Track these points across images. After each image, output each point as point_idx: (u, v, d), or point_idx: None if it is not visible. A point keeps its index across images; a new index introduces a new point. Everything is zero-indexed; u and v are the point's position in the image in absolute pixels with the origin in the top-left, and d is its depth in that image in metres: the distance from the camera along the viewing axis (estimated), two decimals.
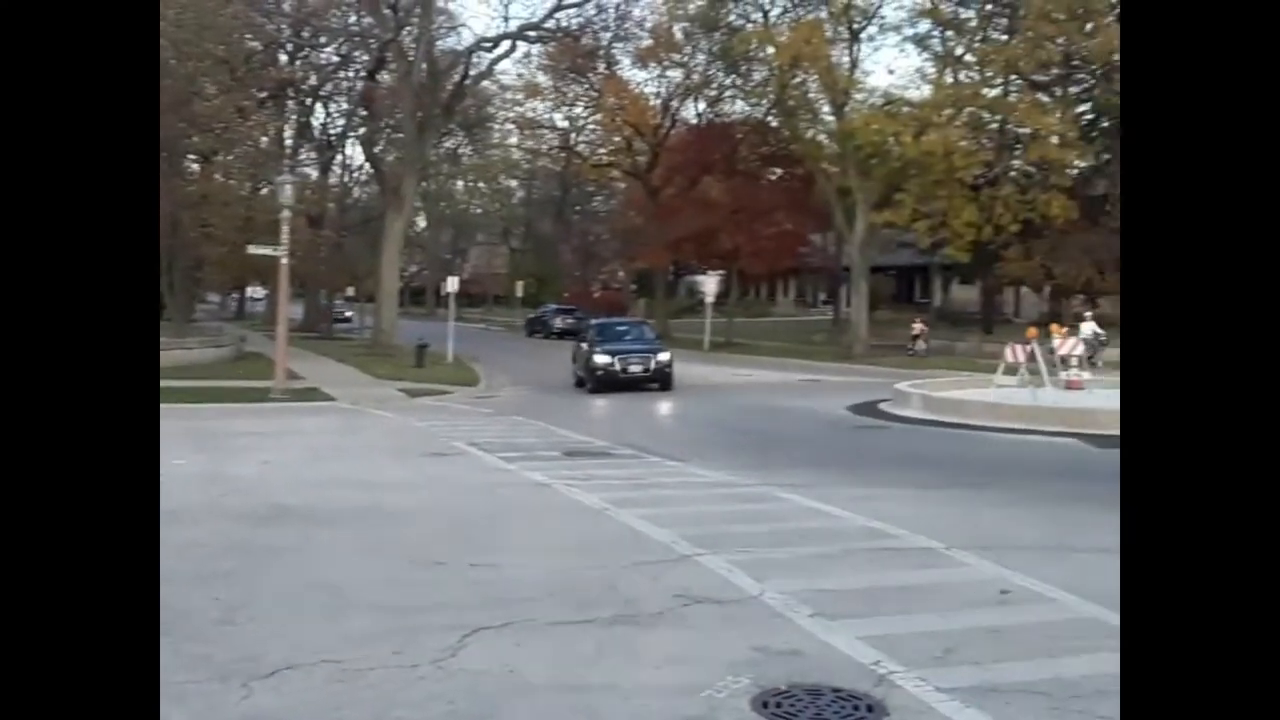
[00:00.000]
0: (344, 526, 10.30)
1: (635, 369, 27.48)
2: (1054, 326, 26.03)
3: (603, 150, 60.45)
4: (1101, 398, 21.76)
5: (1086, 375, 23.89)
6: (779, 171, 51.39)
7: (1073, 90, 41.98)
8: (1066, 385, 22.92)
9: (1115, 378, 26.12)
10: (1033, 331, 22.80)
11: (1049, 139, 37.88)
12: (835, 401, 23.59)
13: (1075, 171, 40.46)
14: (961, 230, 37.70)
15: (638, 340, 29.37)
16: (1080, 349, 24.21)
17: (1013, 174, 40.56)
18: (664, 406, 23.64)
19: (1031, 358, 21.93)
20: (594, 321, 32.88)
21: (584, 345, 29.17)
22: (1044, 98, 41.42)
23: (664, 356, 27.73)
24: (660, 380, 27.41)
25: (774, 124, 47.83)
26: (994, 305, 48.91)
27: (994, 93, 40.57)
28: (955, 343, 40.82)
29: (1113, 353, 32.99)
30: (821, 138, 43.25)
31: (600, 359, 27.59)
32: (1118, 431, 17.40)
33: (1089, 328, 32.89)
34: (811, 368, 35.31)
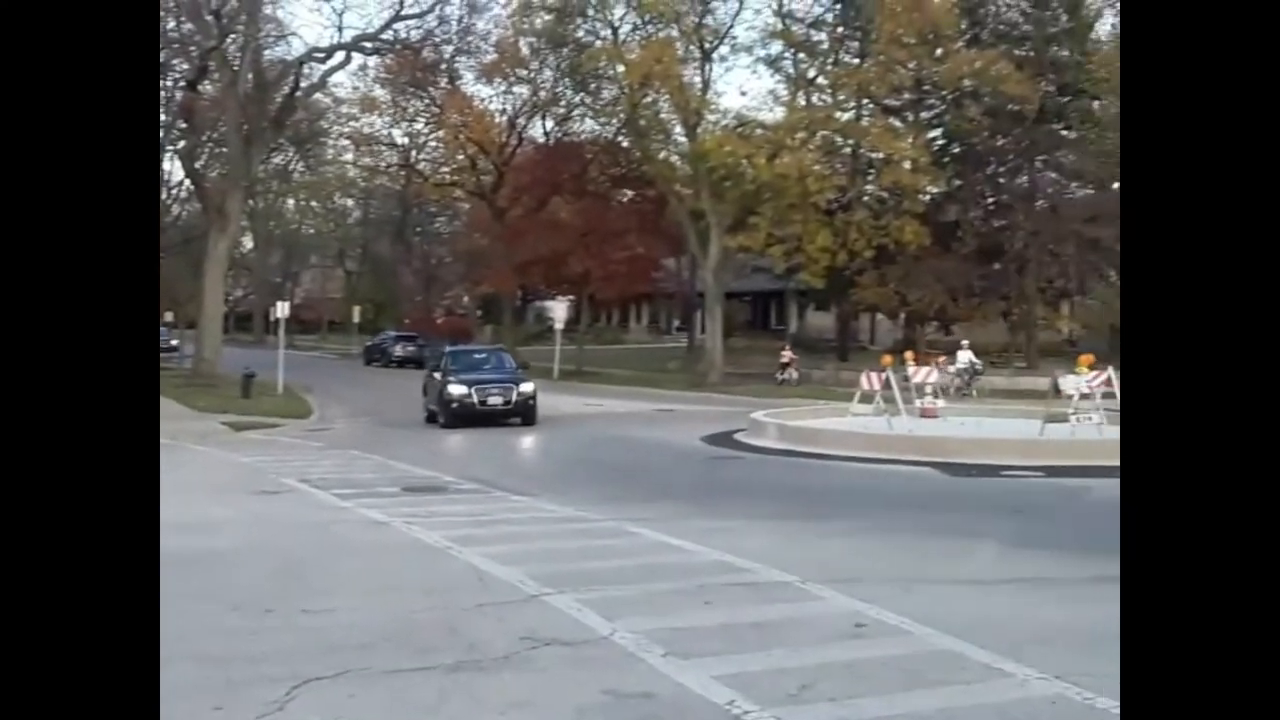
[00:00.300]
0: (161, 571, 9.90)
1: (494, 401, 26.25)
2: (909, 354, 26.84)
3: (445, 169, 60.03)
4: (955, 425, 22.54)
5: (942, 403, 24.70)
6: (630, 193, 51.90)
7: (924, 115, 43.62)
8: (921, 413, 23.65)
9: (990, 406, 27.10)
10: (888, 359, 23.48)
11: (901, 164, 39.25)
12: (689, 432, 23.85)
13: (927, 197, 41.98)
14: (816, 255, 38.63)
15: (497, 369, 28.14)
16: (935, 376, 25.03)
17: (866, 199, 41.83)
18: (511, 440, 23.52)
19: (887, 385, 22.57)
20: (448, 349, 31.11)
21: (436, 375, 27.77)
22: (896, 123, 42.97)
23: (527, 387, 26.64)
24: (523, 414, 26.29)
25: (625, 144, 48.33)
26: (849, 332, 50.23)
27: (847, 116, 41.85)
28: (811, 370, 41.75)
29: (991, 380, 34.34)
30: (674, 159, 43.89)
31: (455, 390, 26.28)
32: (971, 460, 18.07)
33: (965, 356, 34.15)
34: (665, 396, 35.64)
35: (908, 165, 39.19)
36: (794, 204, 38.15)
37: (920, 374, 24.57)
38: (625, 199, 52.23)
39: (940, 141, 43.64)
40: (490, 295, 60.32)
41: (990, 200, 43.52)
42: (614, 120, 48.01)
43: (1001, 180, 43.66)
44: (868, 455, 19.12)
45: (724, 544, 10.80)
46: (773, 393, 35.35)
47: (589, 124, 51.65)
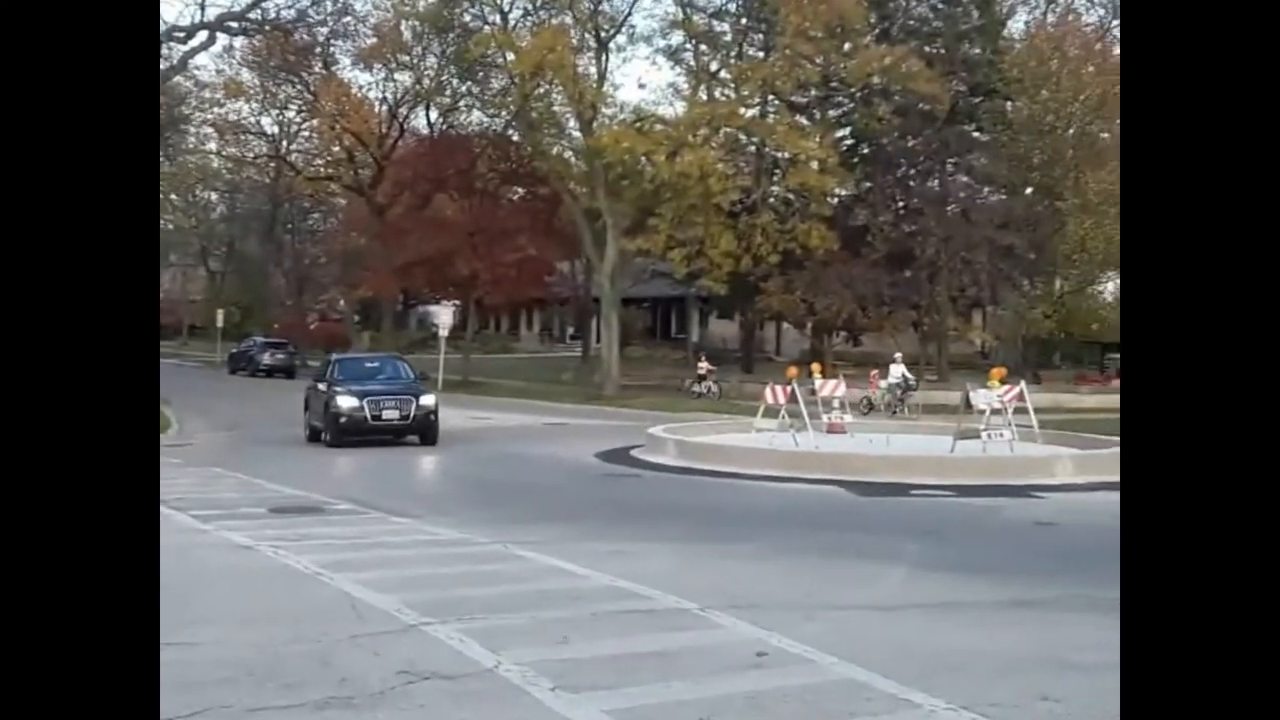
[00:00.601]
0: None
1: (390, 415, 24.69)
2: (815, 366, 27.23)
3: (320, 161, 59.32)
4: (864, 442, 22.89)
5: (848, 418, 25.07)
6: (522, 191, 51.89)
7: (832, 113, 44.29)
8: (828, 429, 23.97)
9: (900, 422, 27.52)
10: (793, 371, 23.76)
11: (808, 164, 39.78)
12: (583, 447, 23.87)
13: (835, 200, 42.62)
14: (719, 260, 38.96)
15: (392, 379, 26.49)
16: (843, 390, 25.41)
17: (772, 201, 42.33)
18: (394, 459, 23.27)
19: (793, 399, 22.83)
20: (336, 357, 29.55)
21: (321, 386, 26.00)
22: (803, 120, 43.59)
23: (428, 400, 25.06)
24: (422, 431, 24.81)
25: (516, 138, 48.31)
26: (754, 342, 50.77)
27: (751, 113, 42.31)
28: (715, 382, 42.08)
29: (927, 395, 34.87)
30: (568, 155, 43.99)
31: (344, 402, 24.66)
32: (879, 478, 18.38)
33: (898, 370, 34.67)
34: (558, 409, 35.61)
35: (815, 165, 39.74)
36: (696, 205, 38.47)
37: (827, 387, 24.94)
38: (516, 197, 52.19)
39: (849, 141, 44.37)
40: (369, 299, 59.75)
41: (901, 204, 44.35)
42: (503, 112, 47.97)
43: (912, 183, 44.57)
44: (772, 473, 19.33)
45: (619, 568, 10.83)
46: (673, 406, 35.57)
47: (477, 115, 51.62)
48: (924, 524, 14.43)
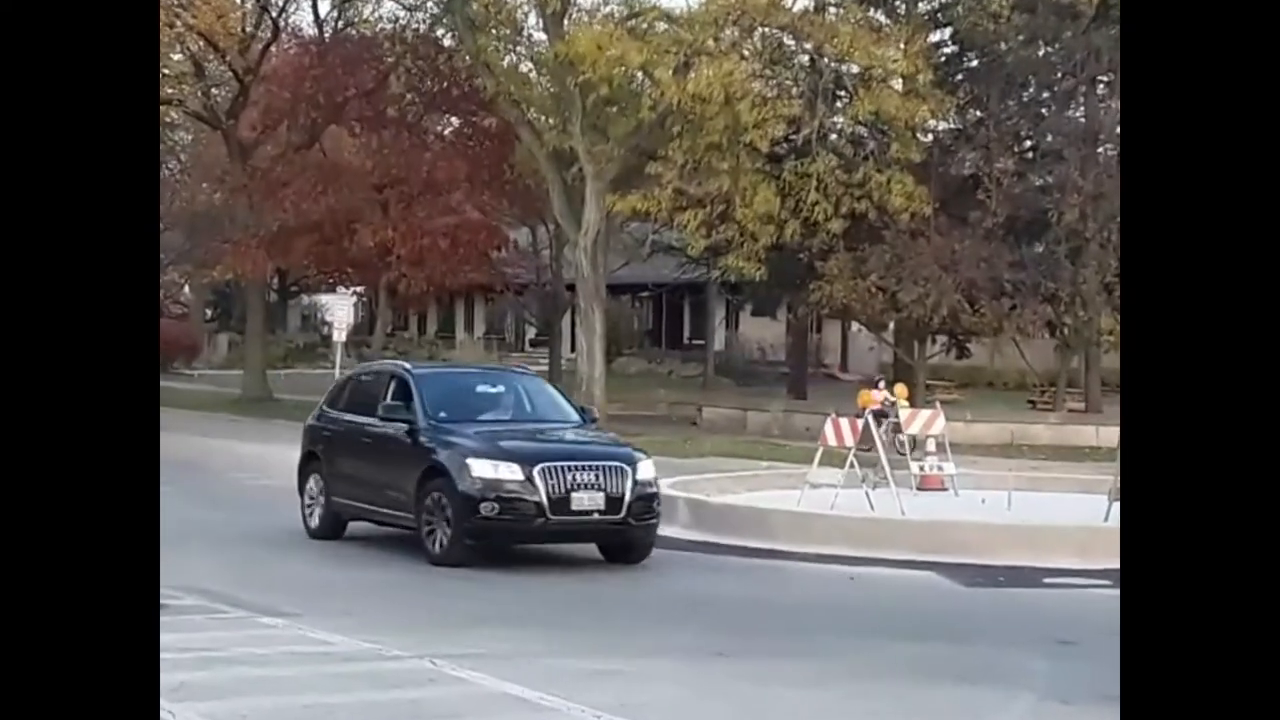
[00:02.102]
0: None
1: (588, 499, 18.96)
2: (899, 388, 27.19)
3: None
4: (973, 503, 22.92)
5: (950, 467, 25.03)
6: (456, 123, 51.83)
7: (923, 7, 44.19)
8: (920, 484, 24.00)
9: (1031, 470, 27.52)
10: (868, 397, 23.83)
11: (888, 84, 39.67)
12: None
13: (929, 138, 42.52)
14: (754, 227, 38.72)
15: (545, 421, 21.62)
16: (941, 423, 25.36)
17: (833, 138, 42.17)
18: (239, 519, 23.24)
19: (866, 439, 22.85)
20: (414, 370, 22.76)
21: (409, 433, 20.23)
22: (880, 18, 43.43)
23: (645, 469, 19.53)
24: (633, 532, 19.45)
25: (448, 42, 48.21)
26: (807, 351, 50.69)
27: (802, 5, 42.18)
28: (745, 411, 42.09)
29: (1028, 431, 34.69)
30: (526, 68, 43.87)
31: (490, 470, 18.92)
32: (997, 559, 18.46)
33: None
34: None
35: (898, 86, 39.65)
36: (718, 144, 38.32)
37: (919, 420, 24.90)
38: (448, 132, 52.16)
39: (949, 50, 44.34)
40: (227, 284, 59.78)
41: (1028, 144, 44.32)
42: (429, 2, 47.98)
43: (1045, 113, 44.51)
44: (835, 551, 19.41)
45: (605, 697, 10.87)
46: (683, 447, 35.58)
47: (388, 8, 51.58)
48: (1060, 630, 14.50)
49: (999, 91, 43.23)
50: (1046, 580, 17.59)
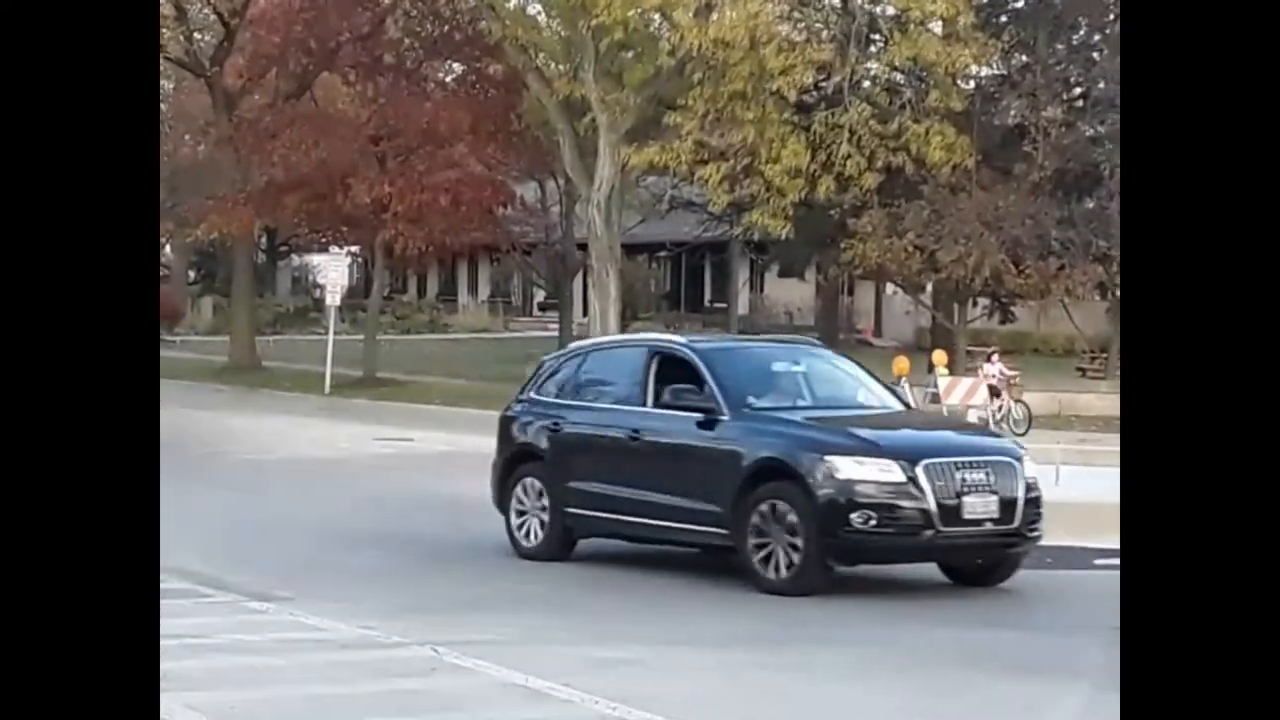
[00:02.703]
0: None
1: (982, 504, 16.48)
2: (938, 355, 27.24)
3: None
4: None
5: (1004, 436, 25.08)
6: (459, 69, 51.76)
7: None
8: None
9: (1079, 443, 27.52)
10: (903, 364, 23.85)
11: (926, 26, 39.59)
12: None
13: (971, 85, 42.44)
14: (781, 182, 38.72)
15: (864, 405, 19.09)
16: (983, 396, 25.44)
17: (866, 85, 42.13)
18: (229, 498, 23.29)
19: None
20: (695, 344, 19.57)
21: (706, 424, 17.36)
22: None
23: (1030, 465, 17.26)
24: (1013, 557, 17.13)
25: None
26: (838, 315, 50.68)
27: None
28: None
29: (1078, 401, 34.63)
30: (535, 9, 43.78)
31: (865, 471, 16.24)
32: (1049, 539, 18.39)
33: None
34: None
35: (937, 29, 39.59)
36: (743, 92, 38.31)
37: (959, 389, 24.98)
38: (450, 79, 52.10)
39: None
40: (211, 244, 59.85)
41: (1078, 90, 44.22)
42: None
43: (1096, 57, 44.40)
44: None
45: (620, 688, 10.86)
46: None
47: None
48: (1114, 615, 14.41)
49: (1047, 34, 43.20)
50: (1098, 562, 17.57)
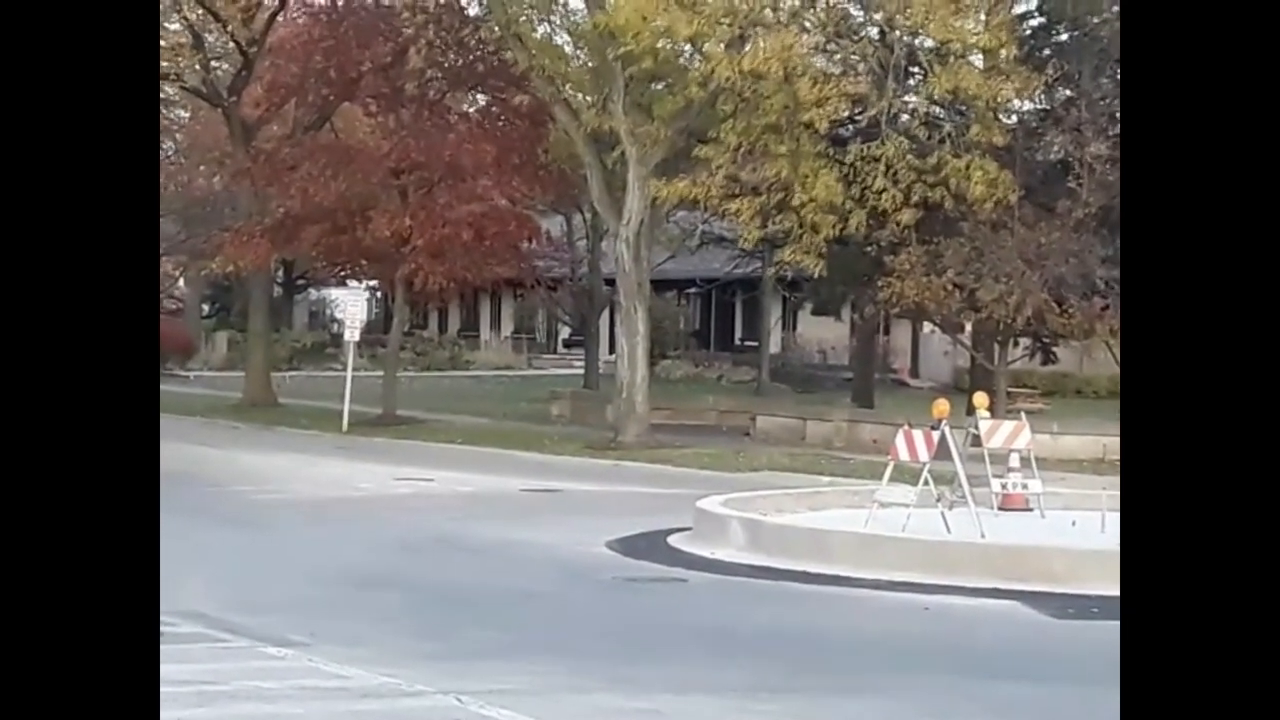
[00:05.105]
0: None
1: None
2: (979, 397, 27.08)
3: None
4: (1062, 524, 22.76)
5: (1036, 485, 24.91)
6: (483, 100, 51.92)
7: None
8: (1002, 503, 23.89)
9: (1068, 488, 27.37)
10: (943, 407, 23.68)
11: (968, 59, 39.59)
12: (588, 530, 23.90)
13: (1014, 120, 42.40)
14: (814, 217, 38.77)
15: None
16: (1026, 439, 25.23)
17: (905, 119, 42.13)
18: (243, 538, 23.29)
19: (943, 453, 22.74)
20: None
21: None
22: None
23: None
24: None
25: (474, 11, 48.30)
26: (873, 355, 50.65)
27: None
28: (805, 421, 42.01)
29: (1069, 444, 34.45)
30: (562, 39, 43.89)
31: None
32: (1088, 588, 18.29)
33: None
34: (546, 466, 35.70)
35: (979, 62, 39.59)
36: (776, 125, 38.37)
37: (1001, 433, 24.82)
38: (474, 111, 52.24)
39: (1035, 21, 44.28)
40: (227, 277, 59.97)
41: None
42: None
43: None
44: (907, 578, 19.31)
45: None
46: (737, 462, 35.51)
47: None
48: None
49: (1092, 68, 43.15)
50: None
